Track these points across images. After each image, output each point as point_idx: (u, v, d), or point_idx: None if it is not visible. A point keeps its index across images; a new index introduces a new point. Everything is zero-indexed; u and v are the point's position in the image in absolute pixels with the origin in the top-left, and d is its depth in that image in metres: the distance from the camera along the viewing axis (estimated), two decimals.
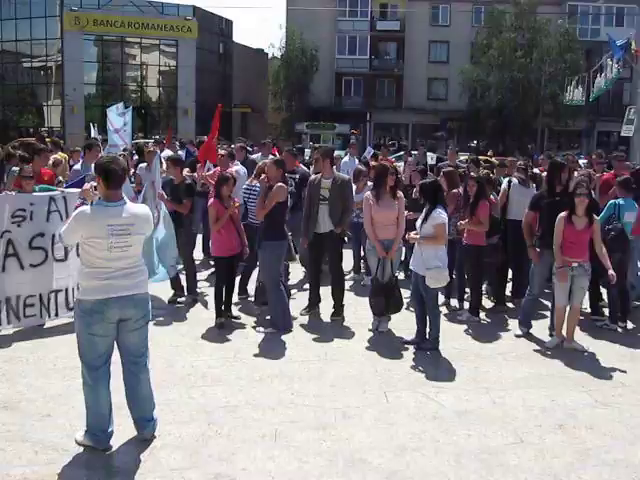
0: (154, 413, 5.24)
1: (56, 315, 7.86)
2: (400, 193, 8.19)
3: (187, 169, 11.15)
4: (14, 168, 8.79)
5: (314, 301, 8.65)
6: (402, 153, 22.36)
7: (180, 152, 14.63)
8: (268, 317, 8.15)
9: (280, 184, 7.87)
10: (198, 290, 9.36)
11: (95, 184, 5.05)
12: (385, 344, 7.58)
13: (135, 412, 5.19)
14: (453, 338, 7.78)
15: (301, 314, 8.54)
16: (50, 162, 10.49)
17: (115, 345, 5.06)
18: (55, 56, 47.65)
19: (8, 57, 49.56)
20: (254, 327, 8.07)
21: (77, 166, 11.21)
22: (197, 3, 56.08)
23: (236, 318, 8.22)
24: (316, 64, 51.16)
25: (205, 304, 8.95)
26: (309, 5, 48.79)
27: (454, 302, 9.04)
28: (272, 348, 7.31)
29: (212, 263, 9.82)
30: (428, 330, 7.50)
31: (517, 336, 7.99)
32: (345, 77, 54.39)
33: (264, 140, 14.28)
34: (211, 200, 8.18)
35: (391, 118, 53.06)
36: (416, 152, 18.56)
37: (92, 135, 16.05)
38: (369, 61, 53.61)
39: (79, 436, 5.10)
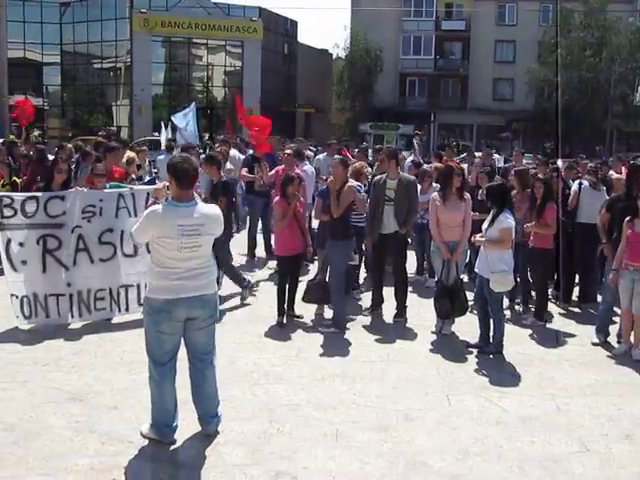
0: (218, 410, 5.30)
1: (127, 310, 8.04)
2: (467, 195, 8.11)
3: (245, 169, 11.29)
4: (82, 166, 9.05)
5: (377, 302, 8.63)
6: (464, 155, 22.07)
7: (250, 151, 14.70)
8: (328, 316, 8.18)
9: (350, 184, 7.93)
10: (258, 289, 9.43)
11: (167, 183, 5.13)
12: (448, 347, 7.51)
13: (200, 408, 5.25)
14: (517, 342, 7.64)
15: (364, 315, 8.53)
16: (124, 160, 10.77)
17: (182, 342, 5.15)
18: (124, 57, 48.75)
19: (80, 59, 50.96)
20: (316, 326, 8.10)
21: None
22: (263, 4, 56.64)
23: (299, 317, 8.26)
24: (380, 64, 51.09)
25: (268, 303, 9.02)
26: (374, 5, 48.72)
27: (518, 306, 8.90)
28: (334, 348, 7.31)
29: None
30: (492, 334, 7.40)
31: (594, 344, 7.76)
32: (409, 77, 54.13)
33: (329, 141, 14.33)
34: (276, 199, 8.25)
35: (455, 119, 52.56)
36: (479, 153, 18.31)
37: (163, 136, 16.31)
38: (434, 61, 53.24)
39: (144, 429, 5.20)
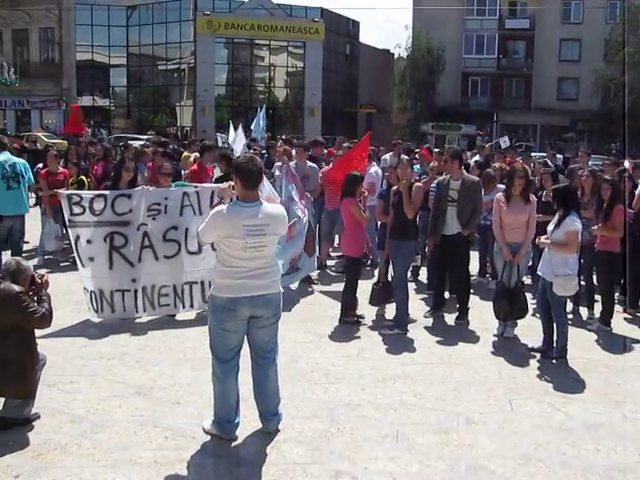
0: (279, 408, 5.33)
1: (191, 306, 8.18)
2: (532, 196, 7.98)
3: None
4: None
5: (438, 303, 8.56)
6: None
7: None
8: (389, 317, 8.16)
9: (418, 184, 7.95)
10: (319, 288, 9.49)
11: (233, 183, 5.19)
12: (510, 350, 7.39)
13: (261, 406, 5.29)
14: (582, 348, 7.47)
15: (425, 316, 8.47)
16: (191, 159, 10.99)
17: (245, 339, 5.20)
18: (188, 59, 49.58)
19: (145, 60, 52.05)
20: (377, 326, 8.07)
21: None
22: (325, 5, 56.80)
23: (360, 317, 8.26)
24: (442, 64, 50.69)
25: (330, 302, 9.05)
26: (436, 4, 48.33)
27: (583, 310, 8.71)
28: (395, 349, 7.28)
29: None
30: (555, 338, 7.26)
31: None
32: (472, 77, 53.54)
33: (394, 140, 14.28)
34: (348, 199, 8.23)
35: (519, 119, 51.72)
36: (536, 154, 17.96)
37: (231, 136, 16.48)
38: (497, 60, 52.53)
39: (206, 425, 5.27)
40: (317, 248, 9.52)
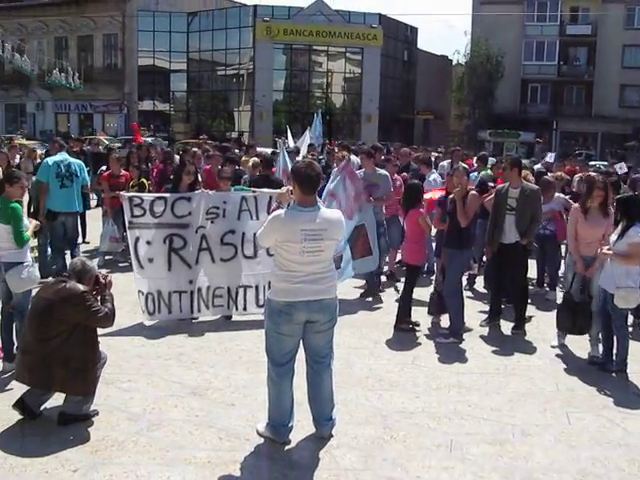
0: (333, 413, 5.33)
1: (244, 309, 8.26)
2: (611, 209, 7.56)
3: None
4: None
5: (495, 312, 8.45)
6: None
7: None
8: (444, 325, 8.09)
9: (473, 192, 7.86)
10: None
11: (291, 188, 5.23)
12: (568, 362, 7.24)
13: (315, 410, 5.30)
14: None
15: (481, 325, 8.37)
16: (250, 164, 11.09)
17: (301, 344, 5.22)
18: (247, 64, 50.12)
19: (205, 66, 52.81)
20: (432, 334, 8.02)
21: None
22: (383, 11, 56.73)
23: (415, 324, 8.21)
24: (501, 70, 50.10)
25: (385, 309, 9.03)
26: (495, 10, 47.83)
27: None
28: (450, 357, 7.22)
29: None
30: (615, 351, 7.08)
31: None
32: (531, 84, 52.75)
33: (453, 147, 14.18)
34: (413, 210, 8.21)
35: (579, 126, 50.70)
36: (595, 162, 17.57)
37: (291, 141, 16.64)
38: (557, 67, 51.63)
39: (260, 427, 5.31)
40: (375, 251, 9.40)
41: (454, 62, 58.17)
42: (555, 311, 7.83)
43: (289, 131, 17.99)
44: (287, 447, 5.15)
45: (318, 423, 5.30)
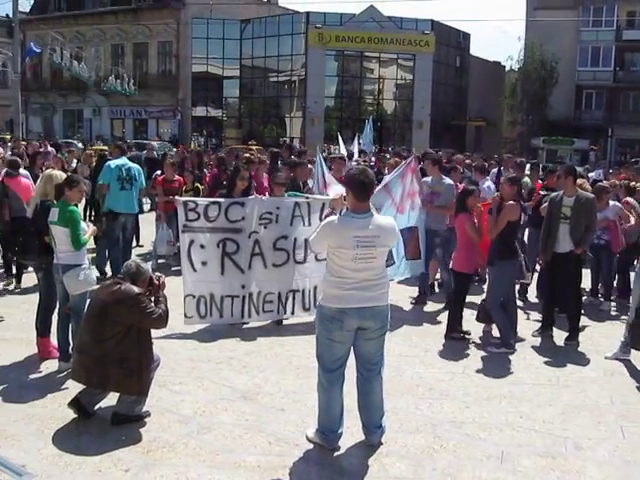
0: (383, 421, 5.31)
1: (292, 313, 8.32)
2: None
3: None
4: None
5: (547, 323, 8.31)
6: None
7: None
8: (496, 334, 7.99)
9: (512, 202, 7.72)
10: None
11: (345, 194, 5.23)
12: (623, 375, 7.07)
13: (365, 418, 5.27)
14: None
15: (533, 335, 8.25)
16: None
17: (351, 350, 5.21)
18: (299, 71, 50.40)
19: (257, 72, 53.30)
20: (483, 344, 7.93)
21: None
22: (436, 17, 56.48)
23: (467, 334, 8.13)
24: (556, 76, 49.35)
25: (437, 317, 8.97)
26: (550, 16, 47.15)
27: None
28: (501, 367, 7.13)
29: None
30: None
31: None
32: (586, 90, 51.80)
33: (506, 155, 14.00)
34: (461, 215, 8.12)
35: (635, 134, 49.47)
36: None
37: (342, 147, 16.70)
38: (613, 73, 50.57)
39: (310, 433, 5.31)
40: (423, 256, 9.34)
41: (507, 68, 57.61)
42: (608, 322, 7.67)
43: (340, 137, 18.04)
44: (336, 454, 5.14)
45: (368, 430, 5.27)
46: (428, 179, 9.68)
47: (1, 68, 59.89)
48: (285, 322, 8.41)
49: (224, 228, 8.00)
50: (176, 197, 8.74)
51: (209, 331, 8.00)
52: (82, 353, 5.51)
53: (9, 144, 20.00)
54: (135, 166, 10.75)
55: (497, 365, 7.20)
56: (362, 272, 4.95)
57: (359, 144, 16.85)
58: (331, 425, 5.19)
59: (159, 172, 12.40)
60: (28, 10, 52.21)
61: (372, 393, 5.23)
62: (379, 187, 8.71)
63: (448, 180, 9.60)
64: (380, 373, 5.28)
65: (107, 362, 5.32)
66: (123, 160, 10.65)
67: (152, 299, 5.61)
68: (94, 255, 10.22)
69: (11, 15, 34.42)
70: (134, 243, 12.04)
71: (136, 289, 5.47)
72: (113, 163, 10.57)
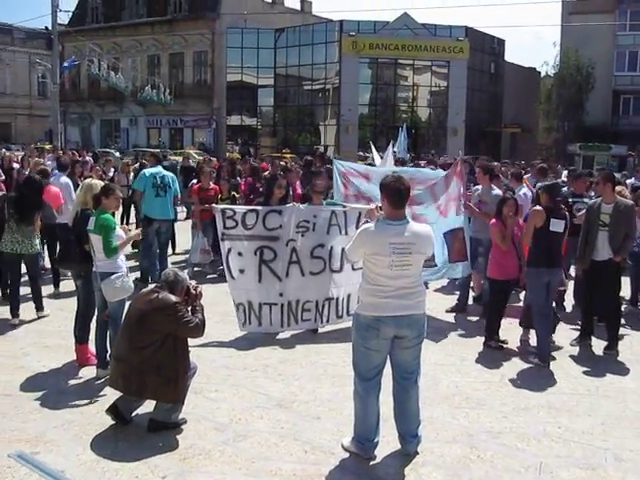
0: (419, 430, 5.28)
1: (327, 321, 8.33)
2: None
3: None
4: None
5: (586, 332, 8.18)
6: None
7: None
8: (534, 343, 7.89)
9: (536, 208, 7.64)
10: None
11: (380, 204, 5.22)
12: None
13: (401, 427, 5.26)
14: None
15: (571, 344, 8.13)
16: None
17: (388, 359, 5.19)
18: (333, 79, 50.45)
19: (291, 81, 53.47)
20: (521, 353, 7.83)
21: None
22: (470, 24, 56.14)
23: (503, 342, 8.04)
24: (592, 82, 48.71)
25: (473, 325, 8.88)
26: (585, 20, 46.57)
27: None
28: (539, 377, 7.04)
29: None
30: None
31: None
32: (624, 95, 51.09)
33: (535, 161, 13.83)
34: (493, 220, 8.09)
35: None
36: None
37: (376, 155, 16.61)
38: None
39: (346, 442, 5.30)
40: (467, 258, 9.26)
41: (542, 74, 57.06)
42: None
43: (372, 146, 17.96)
44: (372, 463, 5.13)
45: (404, 439, 5.25)
46: (478, 187, 9.65)
47: (41, 79, 61.21)
48: (320, 330, 8.42)
49: (261, 236, 8.05)
50: (213, 205, 8.79)
51: (245, 339, 8.04)
52: (120, 361, 5.57)
53: (48, 154, 20.26)
54: (169, 174, 11.26)
55: (535, 374, 7.12)
56: (398, 280, 4.95)
57: (393, 152, 16.75)
58: (367, 434, 5.18)
59: (195, 181, 12.51)
60: (67, 22, 53.08)
61: (409, 402, 5.22)
62: (426, 185, 8.75)
63: (497, 191, 9.43)
64: (417, 382, 5.26)
65: (144, 370, 5.37)
66: (158, 168, 11.22)
67: (189, 308, 5.66)
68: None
69: (50, 28, 35.02)
70: (170, 251, 12.16)
71: (174, 298, 5.52)
72: (148, 171, 11.15)
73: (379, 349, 5.05)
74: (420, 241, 5.01)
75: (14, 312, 8.52)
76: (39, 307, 8.77)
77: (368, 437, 5.17)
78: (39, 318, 8.69)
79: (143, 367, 5.37)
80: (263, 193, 9.68)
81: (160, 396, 5.47)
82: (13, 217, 8.46)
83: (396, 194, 4.97)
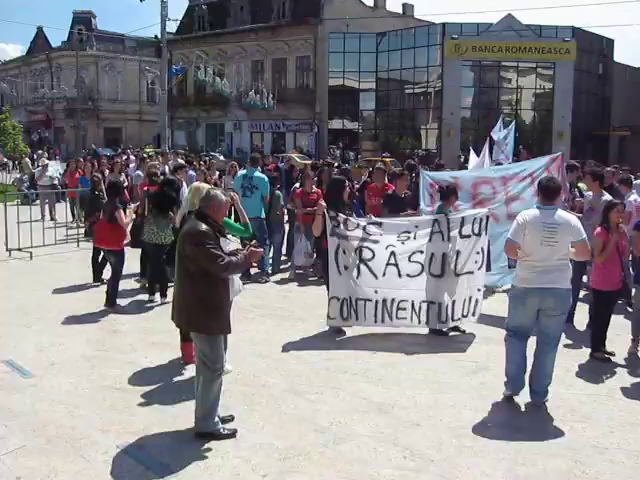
0: (548, 388, 6.25)
1: (426, 323, 8.39)
2: None
3: None
4: None
5: None
6: None
7: None
8: None
9: None
10: None
11: None
12: None
13: (535, 383, 6.26)
14: None
15: None
16: None
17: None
18: (435, 82, 50.00)
19: (393, 84, 53.30)
20: (629, 365, 7.54)
21: None
22: (577, 24, 54.41)
23: (611, 354, 7.74)
24: None
25: (580, 335, 8.58)
26: None
27: None
28: None
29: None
30: None
31: None
32: None
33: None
34: (598, 229, 7.83)
35: None
36: None
37: (472, 157, 16.35)
38: None
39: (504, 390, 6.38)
40: None
41: None
42: None
43: (471, 150, 17.68)
44: (473, 474, 5.03)
45: (536, 394, 6.24)
46: (589, 194, 9.43)
47: (150, 86, 63.48)
48: (421, 338, 8.39)
49: (361, 238, 8.27)
50: (320, 202, 8.83)
51: (345, 342, 8.12)
52: (175, 295, 5.69)
53: (160, 157, 20.97)
54: (258, 175, 11.84)
55: None
56: (547, 256, 5.99)
57: (501, 151, 16.35)
58: (516, 371, 6.29)
59: (297, 185, 12.67)
60: (175, 31, 54.86)
61: (546, 360, 6.22)
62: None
63: (607, 197, 9.02)
64: (556, 347, 6.29)
65: (191, 303, 5.41)
66: (248, 170, 12.04)
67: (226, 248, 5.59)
68: None
69: (159, 36, 36.26)
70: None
71: (203, 227, 5.34)
72: (240, 172, 12.25)
73: (525, 314, 6.21)
74: (566, 224, 6.00)
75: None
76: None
77: (517, 374, 6.29)
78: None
79: (188, 300, 5.42)
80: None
81: (204, 328, 5.42)
82: (152, 211, 9.71)
83: (546, 190, 6.17)
